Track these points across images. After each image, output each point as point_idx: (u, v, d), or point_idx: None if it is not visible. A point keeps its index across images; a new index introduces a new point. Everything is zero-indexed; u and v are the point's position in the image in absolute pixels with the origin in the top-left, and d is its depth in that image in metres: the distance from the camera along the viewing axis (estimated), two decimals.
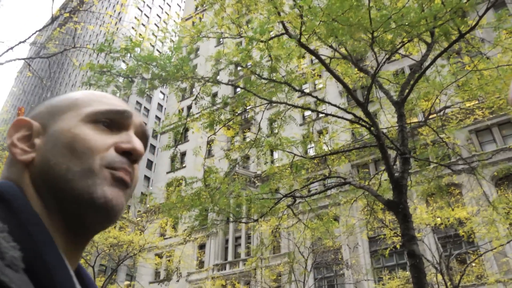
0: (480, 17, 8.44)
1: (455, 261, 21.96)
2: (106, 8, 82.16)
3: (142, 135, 0.80)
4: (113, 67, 10.19)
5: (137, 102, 69.45)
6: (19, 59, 11.76)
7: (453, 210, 17.33)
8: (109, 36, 9.94)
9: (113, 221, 0.71)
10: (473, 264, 21.05)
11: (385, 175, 11.88)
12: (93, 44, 75.34)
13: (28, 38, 11.41)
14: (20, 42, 11.28)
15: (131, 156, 0.74)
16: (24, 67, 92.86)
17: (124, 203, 0.72)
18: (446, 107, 11.75)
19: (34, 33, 11.67)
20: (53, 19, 12.16)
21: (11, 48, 10.92)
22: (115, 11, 75.52)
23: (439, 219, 17.73)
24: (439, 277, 17.60)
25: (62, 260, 0.62)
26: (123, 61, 11.60)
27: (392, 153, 12.44)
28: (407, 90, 9.73)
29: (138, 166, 0.76)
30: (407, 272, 21.83)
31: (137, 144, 0.74)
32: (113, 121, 0.75)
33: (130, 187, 0.73)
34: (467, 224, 17.64)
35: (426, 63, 10.27)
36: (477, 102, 14.72)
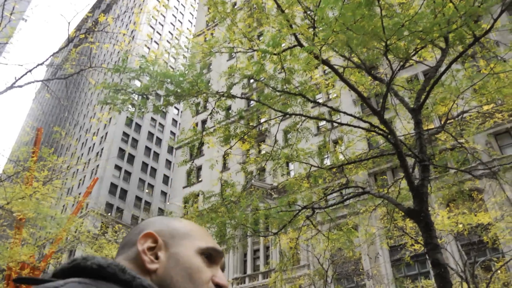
0: (495, 20, 8.35)
1: (480, 268, 21.40)
2: (120, 27, 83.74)
3: (223, 269, 1.03)
4: (128, 86, 10.35)
5: (152, 119, 70.23)
6: (37, 81, 12.04)
7: (475, 215, 16.95)
8: (124, 56, 10.10)
9: None
10: (499, 272, 20.48)
11: (403, 183, 11.73)
12: (108, 63, 76.70)
13: (46, 60, 11.69)
14: (38, 65, 11.56)
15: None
16: (42, 88, 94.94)
17: None
18: (463, 112, 11.58)
19: (52, 55, 11.95)
20: (69, 40, 12.44)
21: (30, 71, 11.19)
22: (128, 29, 76.97)
23: (461, 225, 17.34)
24: (465, 286, 17.16)
25: None
26: (138, 80, 11.76)
27: (410, 160, 12.28)
28: (423, 97, 9.63)
29: None
30: (430, 281, 21.35)
31: (225, 281, 0.97)
32: (211, 256, 0.98)
33: None
34: (491, 230, 17.22)
35: (441, 69, 10.17)
36: (495, 105, 14.48)
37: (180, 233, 0.98)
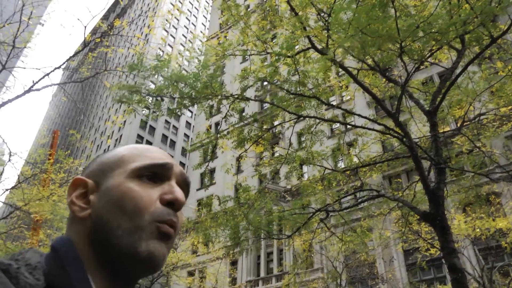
0: None
1: (498, 274, 20.99)
2: (134, 30, 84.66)
3: (183, 183, 0.86)
4: (143, 86, 10.46)
5: (166, 121, 70.72)
6: (54, 84, 12.25)
7: (493, 220, 16.64)
8: (139, 58, 10.23)
9: (155, 270, 0.77)
10: None
11: (419, 186, 11.58)
12: (122, 67, 77.60)
13: (63, 64, 11.88)
14: (55, 68, 11.76)
15: (174, 206, 0.79)
16: (59, 91, 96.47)
17: (166, 253, 0.78)
18: (480, 114, 11.39)
19: (68, 59, 12.14)
20: (85, 44, 12.62)
21: (47, 74, 11.39)
22: (142, 33, 77.74)
23: (478, 230, 17.04)
24: None
25: None
26: (151, 82, 11.87)
27: (425, 163, 12.13)
28: (438, 99, 9.50)
29: (182, 212, 0.82)
30: (446, 286, 21.02)
31: (179, 194, 0.80)
32: (156, 174, 0.81)
33: (173, 237, 0.79)
34: (510, 234, 16.89)
35: (457, 71, 10.03)
36: None
37: (110, 164, 0.82)
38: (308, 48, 10.30)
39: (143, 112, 11.46)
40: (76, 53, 13.62)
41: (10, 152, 13.21)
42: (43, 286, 0.65)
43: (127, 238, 0.74)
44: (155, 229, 0.75)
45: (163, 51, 75.98)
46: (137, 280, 0.79)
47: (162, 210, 0.77)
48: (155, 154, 0.84)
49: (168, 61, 10.30)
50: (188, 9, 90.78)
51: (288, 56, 9.64)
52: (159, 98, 10.77)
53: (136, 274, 0.77)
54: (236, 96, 10.36)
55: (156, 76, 10.59)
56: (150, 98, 11.15)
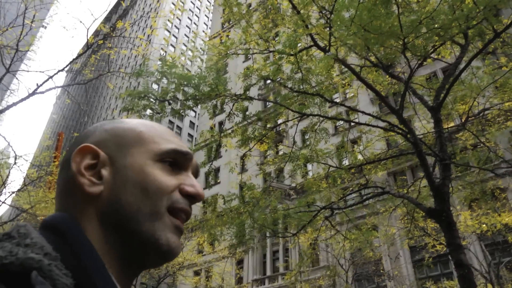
0: None
1: (505, 269, 20.91)
2: (136, 31, 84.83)
3: (196, 175, 0.81)
4: (150, 91, 10.54)
5: (170, 122, 70.83)
6: (58, 87, 12.28)
7: (499, 215, 16.57)
8: (144, 61, 10.34)
9: (169, 262, 0.72)
10: None
11: (424, 182, 11.55)
12: (125, 68, 77.79)
13: (66, 66, 11.92)
14: (59, 71, 11.80)
15: (193, 199, 0.75)
16: (62, 93, 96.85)
17: (181, 248, 0.73)
18: (484, 110, 11.35)
19: (71, 61, 12.18)
20: (88, 46, 12.66)
21: (51, 77, 11.43)
22: (144, 33, 77.90)
23: (484, 225, 16.98)
24: (489, 287, 16.79)
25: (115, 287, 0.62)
26: (157, 84, 11.94)
27: (430, 160, 12.10)
28: (442, 95, 9.48)
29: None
30: (453, 282, 20.95)
31: (200, 188, 0.76)
32: (176, 161, 0.75)
33: (183, 231, 0.74)
34: None
35: (461, 66, 9.99)
36: None
37: (128, 139, 0.74)
38: (311, 46, 10.29)
39: (148, 112, 11.51)
40: (79, 56, 13.67)
41: (16, 155, 13.28)
42: (72, 286, 0.55)
43: (147, 225, 0.68)
44: (169, 222, 0.71)
45: (165, 51, 76.11)
46: (146, 269, 0.74)
47: (179, 198, 0.73)
48: (176, 139, 0.79)
49: (173, 65, 10.35)
50: (190, 9, 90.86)
51: (291, 54, 9.64)
52: (165, 101, 10.84)
53: (150, 264, 0.72)
54: (239, 95, 10.38)
55: (161, 78, 10.64)
56: (157, 102, 11.23)
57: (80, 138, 0.76)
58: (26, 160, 14.09)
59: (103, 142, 0.73)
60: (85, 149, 0.71)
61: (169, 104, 10.87)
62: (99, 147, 0.72)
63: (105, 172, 0.70)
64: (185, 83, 10.16)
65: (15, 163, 13.33)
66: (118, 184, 0.70)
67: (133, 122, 0.78)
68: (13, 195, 16.92)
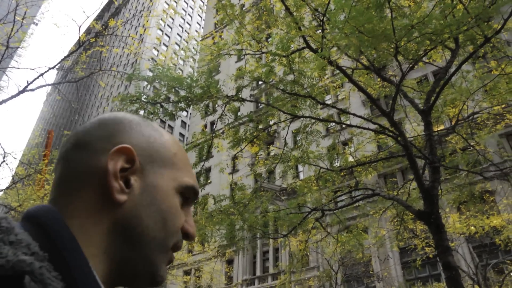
0: (506, 20, 8.26)
1: (492, 271, 21.15)
2: (129, 30, 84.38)
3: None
4: (142, 95, 10.52)
5: (161, 121, 70.53)
6: (48, 84, 12.17)
7: (487, 218, 16.77)
8: (137, 61, 10.33)
9: None
10: None
11: (413, 184, 11.65)
12: (117, 66, 77.31)
13: (57, 64, 11.83)
14: (49, 68, 11.70)
15: (187, 238, 0.73)
16: (53, 91, 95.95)
17: None
18: (474, 113, 11.48)
19: (63, 59, 12.09)
20: (80, 44, 12.56)
21: (41, 74, 11.32)
22: (137, 32, 77.51)
23: (473, 227, 17.17)
24: None
25: None
26: (149, 84, 11.91)
27: (420, 162, 12.21)
28: (433, 98, 9.57)
29: None
30: (442, 284, 21.15)
31: (195, 230, 0.75)
32: (188, 199, 0.74)
33: None
34: (504, 232, 17.02)
35: (451, 70, 10.10)
36: (506, 106, 14.33)
37: (162, 157, 0.70)
38: (303, 48, 10.33)
39: (144, 116, 11.48)
40: (71, 53, 13.56)
41: (4, 152, 13.13)
42: None
43: (156, 254, 0.66)
44: (168, 257, 0.70)
45: (158, 51, 75.80)
46: (125, 286, 0.70)
47: (181, 236, 0.71)
48: (191, 169, 0.77)
49: (168, 69, 10.34)
50: (183, 9, 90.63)
51: (283, 56, 9.67)
52: (157, 104, 10.82)
53: (135, 285, 0.68)
54: (231, 97, 10.38)
55: (154, 81, 10.63)
56: (149, 105, 11.21)
57: (113, 128, 0.69)
58: (15, 158, 13.94)
59: (139, 148, 0.68)
60: (125, 151, 0.66)
61: (162, 106, 10.83)
62: (136, 153, 0.67)
63: (134, 182, 0.66)
64: (177, 86, 10.15)
65: (3, 160, 13.18)
66: (144, 202, 0.66)
67: (168, 138, 0.74)
68: (1, 193, 16.74)
